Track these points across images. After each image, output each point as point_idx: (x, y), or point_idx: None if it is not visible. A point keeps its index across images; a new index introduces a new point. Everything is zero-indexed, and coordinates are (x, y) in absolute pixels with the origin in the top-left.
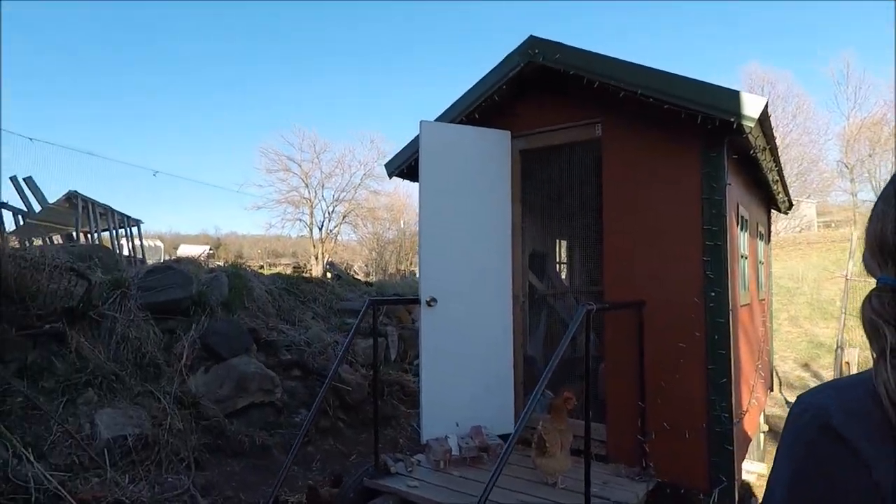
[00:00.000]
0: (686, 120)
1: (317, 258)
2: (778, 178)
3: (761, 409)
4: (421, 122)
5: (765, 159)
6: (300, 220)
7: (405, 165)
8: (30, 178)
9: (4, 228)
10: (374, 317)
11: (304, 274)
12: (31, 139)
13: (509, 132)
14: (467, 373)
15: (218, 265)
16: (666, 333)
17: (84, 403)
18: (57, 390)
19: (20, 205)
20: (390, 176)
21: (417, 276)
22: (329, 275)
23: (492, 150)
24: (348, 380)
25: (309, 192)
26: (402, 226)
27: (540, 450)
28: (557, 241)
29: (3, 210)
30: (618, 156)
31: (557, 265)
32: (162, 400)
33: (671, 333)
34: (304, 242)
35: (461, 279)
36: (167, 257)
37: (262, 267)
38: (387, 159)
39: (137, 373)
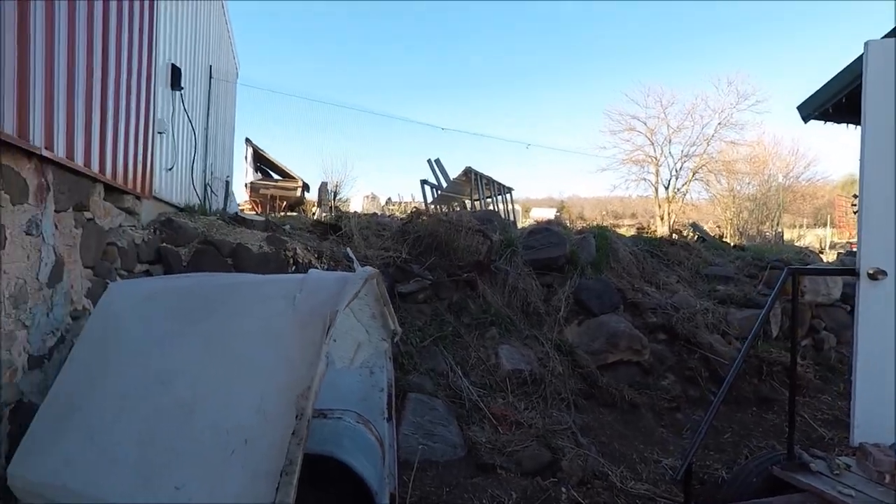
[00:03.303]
0: None
1: (661, 218)
2: None
3: None
4: (867, 42)
5: None
6: (644, 179)
7: (830, 104)
8: (438, 159)
9: (427, 200)
10: (794, 288)
11: (673, 237)
12: (442, 129)
13: None
14: None
15: (584, 226)
16: None
17: (489, 338)
18: (472, 325)
19: (433, 181)
20: (806, 120)
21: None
22: (688, 235)
23: None
24: (721, 351)
25: (654, 149)
26: (767, 178)
27: None
28: None
29: (425, 186)
30: None
31: None
32: (545, 345)
33: None
34: (645, 202)
35: None
36: (523, 220)
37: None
38: (749, 101)
39: (524, 319)
